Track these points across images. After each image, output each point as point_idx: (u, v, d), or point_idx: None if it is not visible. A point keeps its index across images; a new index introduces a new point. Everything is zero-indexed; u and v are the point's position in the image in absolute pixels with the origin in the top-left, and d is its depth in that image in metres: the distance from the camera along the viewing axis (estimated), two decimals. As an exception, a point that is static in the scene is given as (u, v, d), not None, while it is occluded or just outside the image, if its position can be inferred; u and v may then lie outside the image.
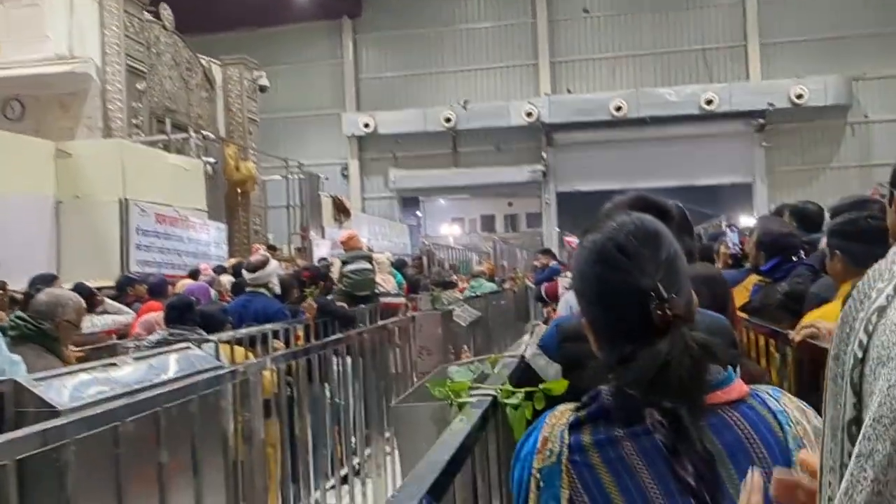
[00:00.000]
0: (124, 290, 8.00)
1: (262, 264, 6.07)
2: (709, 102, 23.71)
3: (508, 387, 1.77)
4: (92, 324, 6.49)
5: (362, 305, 7.31)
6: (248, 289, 6.28)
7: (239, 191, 15.86)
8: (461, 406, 1.73)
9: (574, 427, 1.27)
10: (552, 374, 1.77)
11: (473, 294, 10.60)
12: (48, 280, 6.00)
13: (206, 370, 3.69)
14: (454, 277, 11.98)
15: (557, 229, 25.07)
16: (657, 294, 1.23)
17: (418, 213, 29.13)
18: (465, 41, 26.42)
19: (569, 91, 25.33)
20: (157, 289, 7.80)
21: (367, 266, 7.47)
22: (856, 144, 24.06)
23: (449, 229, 28.96)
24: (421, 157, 26.24)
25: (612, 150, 24.62)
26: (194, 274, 8.79)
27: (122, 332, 6.54)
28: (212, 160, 12.35)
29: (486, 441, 1.73)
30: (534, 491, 1.26)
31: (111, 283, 8.68)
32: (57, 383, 2.98)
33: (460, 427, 1.53)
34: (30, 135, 10.54)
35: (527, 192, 26.69)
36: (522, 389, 1.74)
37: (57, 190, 9.62)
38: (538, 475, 1.26)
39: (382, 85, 26.81)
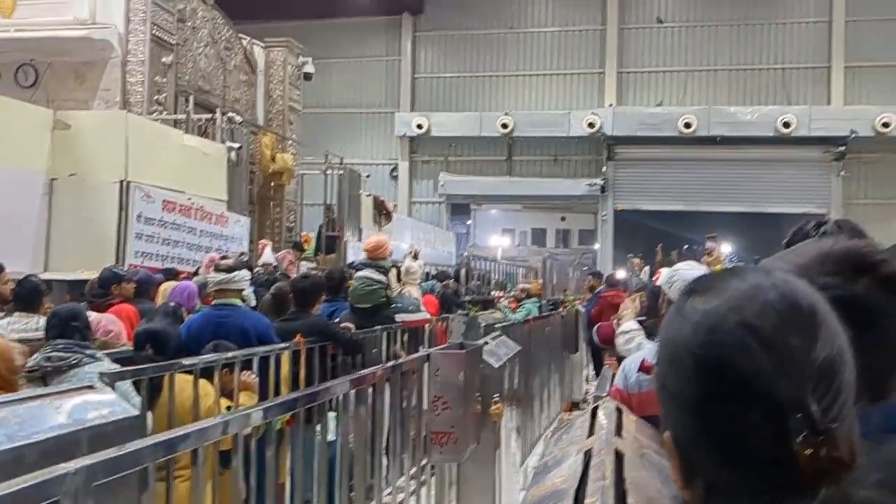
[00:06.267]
0: (109, 287, 6.72)
1: (231, 270, 4.71)
2: (786, 125, 22.27)
3: None
4: (39, 327, 5.31)
5: (377, 327, 6.01)
6: (214, 302, 4.91)
7: (273, 184, 14.78)
8: None
9: None
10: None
11: (526, 316, 9.29)
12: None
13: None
14: (495, 295, 10.66)
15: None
16: (806, 416, 0.71)
17: (469, 222, 28.06)
18: (529, 45, 25.12)
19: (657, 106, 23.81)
20: (140, 288, 6.58)
21: (376, 276, 6.13)
22: (945, 181, 22.21)
23: (499, 240, 27.90)
24: (474, 162, 25.22)
25: (676, 168, 23.58)
26: (170, 272, 7.57)
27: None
28: (236, 145, 11.15)
29: None
30: None
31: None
32: None
33: None
34: (42, 105, 9.48)
35: (582, 208, 25.52)
36: None
37: (51, 165, 8.48)
38: None
39: (439, 85, 25.75)
